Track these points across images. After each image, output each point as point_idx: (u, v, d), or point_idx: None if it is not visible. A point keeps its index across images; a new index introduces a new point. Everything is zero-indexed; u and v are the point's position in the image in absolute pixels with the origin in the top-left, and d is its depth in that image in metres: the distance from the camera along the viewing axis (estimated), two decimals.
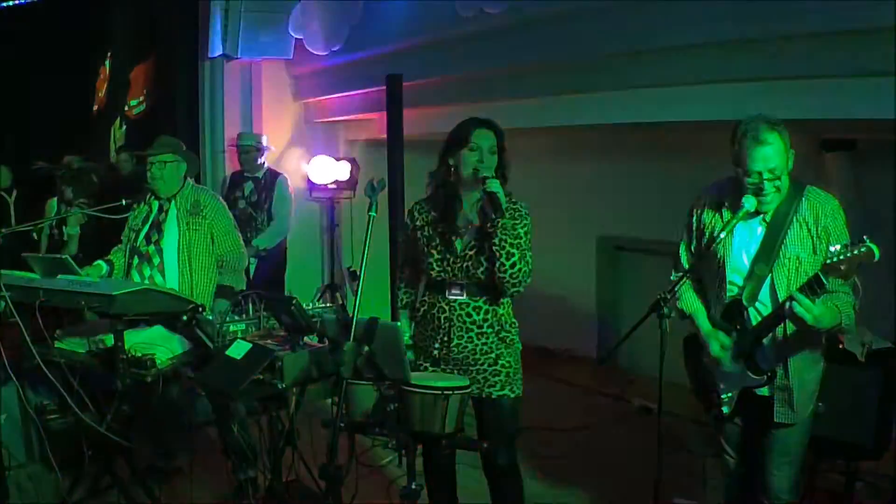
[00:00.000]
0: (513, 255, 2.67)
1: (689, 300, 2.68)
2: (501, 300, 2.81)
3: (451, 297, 2.79)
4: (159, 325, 3.23)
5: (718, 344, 2.56)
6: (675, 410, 3.57)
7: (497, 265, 2.68)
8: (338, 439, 2.44)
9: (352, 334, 2.45)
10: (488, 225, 2.68)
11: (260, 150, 5.61)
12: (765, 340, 2.47)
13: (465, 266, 2.77)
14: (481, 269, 2.74)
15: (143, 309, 3.06)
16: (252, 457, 3.44)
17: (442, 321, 2.82)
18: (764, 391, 2.53)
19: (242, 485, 3.48)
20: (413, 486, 2.85)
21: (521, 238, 2.71)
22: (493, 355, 2.80)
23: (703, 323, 2.63)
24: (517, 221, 2.73)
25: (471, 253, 2.77)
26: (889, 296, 2.90)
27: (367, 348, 2.50)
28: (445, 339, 2.81)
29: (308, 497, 3.22)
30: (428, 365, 2.88)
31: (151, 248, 3.68)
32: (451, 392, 2.74)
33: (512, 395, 2.83)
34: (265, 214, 5.48)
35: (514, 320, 2.87)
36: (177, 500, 3.51)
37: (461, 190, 2.80)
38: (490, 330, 2.80)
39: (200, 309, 3.17)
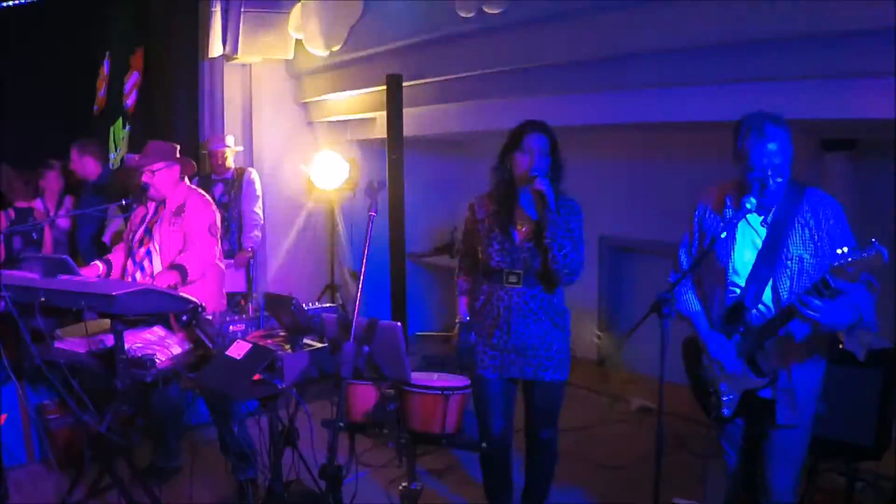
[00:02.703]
0: (564, 246, 2.87)
1: (689, 302, 2.68)
2: (555, 289, 3.01)
3: (508, 285, 2.97)
4: (159, 325, 3.23)
5: (718, 345, 2.56)
6: (675, 410, 3.57)
7: (550, 256, 2.88)
8: (338, 439, 2.44)
9: (352, 334, 2.46)
10: (540, 219, 2.91)
11: (228, 149, 5.55)
12: (767, 343, 2.47)
13: (523, 257, 2.96)
14: (538, 260, 2.94)
15: (143, 309, 3.05)
16: (252, 457, 3.44)
17: (501, 309, 2.99)
18: (766, 393, 2.52)
19: (242, 485, 3.48)
20: (413, 486, 2.86)
21: (573, 231, 2.93)
22: (548, 340, 2.99)
23: (703, 324, 2.63)
24: (570, 217, 2.94)
25: (528, 245, 2.96)
26: (889, 296, 2.89)
27: (367, 348, 2.50)
28: (505, 326, 2.99)
29: (308, 497, 3.22)
30: (487, 350, 3.04)
31: (142, 250, 3.69)
32: (451, 392, 2.75)
33: (562, 379, 3.05)
34: (237, 211, 5.44)
35: (566, 308, 3.08)
36: (177, 500, 3.51)
37: (517, 187, 2.98)
38: (545, 317, 2.99)
39: (201, 309, 3.17)
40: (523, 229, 2.99)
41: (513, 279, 2.98)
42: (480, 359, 3.06)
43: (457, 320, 3.18)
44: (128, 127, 7.31)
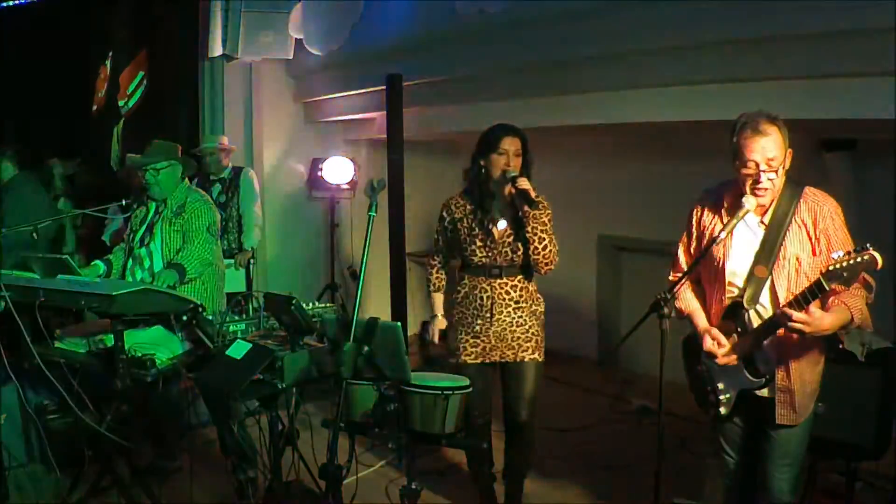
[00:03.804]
0: (543, 239, 3.14)
1: (687, 299, 2.68)
2: (532, 279, 3.27)
3: (491, 277, 3.22)
4: (159, 325, 3.23)
5: (713, 340, 2.56)
6: (675, 410, 3.57)
7: (531, 248, 3.14)
8: (338, 439, 2.44)
9: (352, 334, 2.46)
10: (521, 215, 3.13)
11: (224, 151, 5.53)
12: (764, 343, 2.47)
13: (504, 251, 3.20)
14: (517, 252, 3.18)
15: (142, 309, 3.05)
16: (252, 457, 3.44)
17: (485, 300, 3.23)
18: (764, 392, 2.53)
19: (242, 485, 3.48)
20: (413, 486, 2.86)
21: (546, 225, 3.17)
22: (526, 326, 3.23)
23: (701, 321, 2.63)
24: (541, 212, 3.16)
25: (508, 240, 3.20)
26: (889, 296, 2.89)
27: (367, 348, 2.50)
28: (488, 315, 3.22)
29: (308, 497, 3.22)
30: (469, 338, 3.26)
31: (143, 250, 3.69)
32: (451, 392, 2.76)
33: (539, 360, 3.27)
34: (235, 211, 5.42)
35: (539, 296, 3.32)
36: (177, 500, 3.51)
37: (492, 186, 3.19)
38: (525, 304, 3.24)
39: (201, 309, 3.17)
40: (501, 225, 3.21)
41: (495, 272, 3.21)
42: (462, 346, 3.26)
43: (433, 314, 3.45)
44: (129, 127, 7.31)
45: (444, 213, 3.36)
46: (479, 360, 3.25)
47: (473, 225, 3.24)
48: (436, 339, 3.39)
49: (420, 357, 3.53)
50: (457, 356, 3.29)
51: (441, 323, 3.43)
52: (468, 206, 3.28)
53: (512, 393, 3.30)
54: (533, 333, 3.25)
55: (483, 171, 3.20)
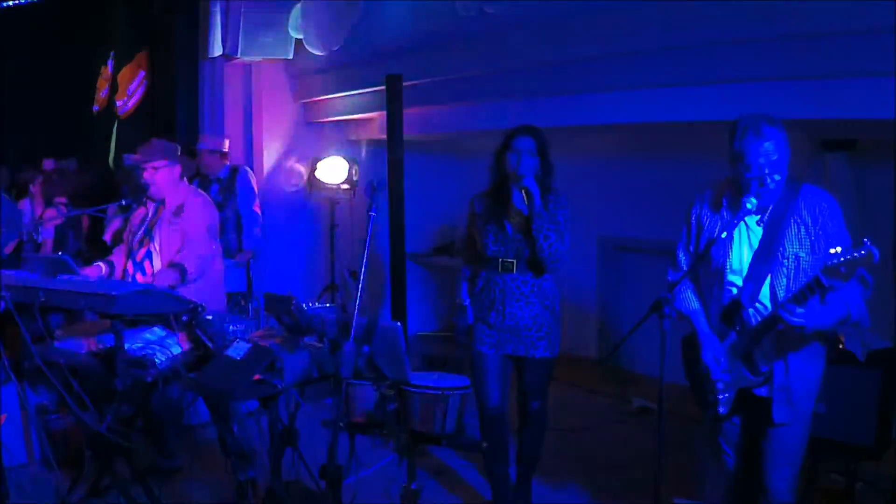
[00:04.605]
0: (549, 237, 3.15)
1: (688, 300, 2.68)
2: (544, 275, 3.29)
3: (502, 272, 3.27)
4: (159, 325, 3.23)
5: (713, 351, 2.57)
6: (675, 410, 3.57)
7: (537, 246, 3.17)
8: (338, 439, 2.44)
9: (352, 334, 2.46)
10: (529, 213, 3.18)
11: (220, 153, 5.48)
12: (763, 340, 2.47)
13: (515, 247, 3.25)
14: (528, 250, 3.23)
15: (143, 309, 3.05)
16: (252, 457, 3.44)
17: (497, 293, 3.28)
18: (764, 392, 2.53)
19: (242, 485, 3.48)
20: (413, 486, 2.86)
21: (559, 223, 3.21)
22: (538, 321, 3.27)
23: (702, 324, 2.63)
24: (557, 210, 3.23)
25: (519, 236, 3.25)
26: (889, 296, 2.89)
27: (367, 348, 2.50)
28: (500, 307, 3.27)
29: (308, 497, 3.22)
30: (486, 328, 3.32)
31: (143, 251, 3.68)
32: (451, 392, 2.76)
33: (551, 356, 3.32)
34: (232, 211, 5.40)
35: (556, 292, 3.35)
36: (177, 500, 3.51)
37: (509, 184, 3.27)
38: (536, 300, 3.27)
39: (200, 309, 3.16)
40: (515, 222, 3.27)
41: (507, 266, 3.27)
42: (479, 336, 3.33)
43: (457, 302, 3.51)
44: (129, 127, 7.31)
45: (470, 208, 3.47)
46: (493, 351, 3.33)
47: (489, 220, 3.33)
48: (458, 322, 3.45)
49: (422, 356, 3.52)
50: (472, 345, 3.36)
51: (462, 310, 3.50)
52: (487, 202, 3.38)
53: (525, 384, 3.38)
54: (547, 332, 3.30)
55: (500, 168, 3.30)
